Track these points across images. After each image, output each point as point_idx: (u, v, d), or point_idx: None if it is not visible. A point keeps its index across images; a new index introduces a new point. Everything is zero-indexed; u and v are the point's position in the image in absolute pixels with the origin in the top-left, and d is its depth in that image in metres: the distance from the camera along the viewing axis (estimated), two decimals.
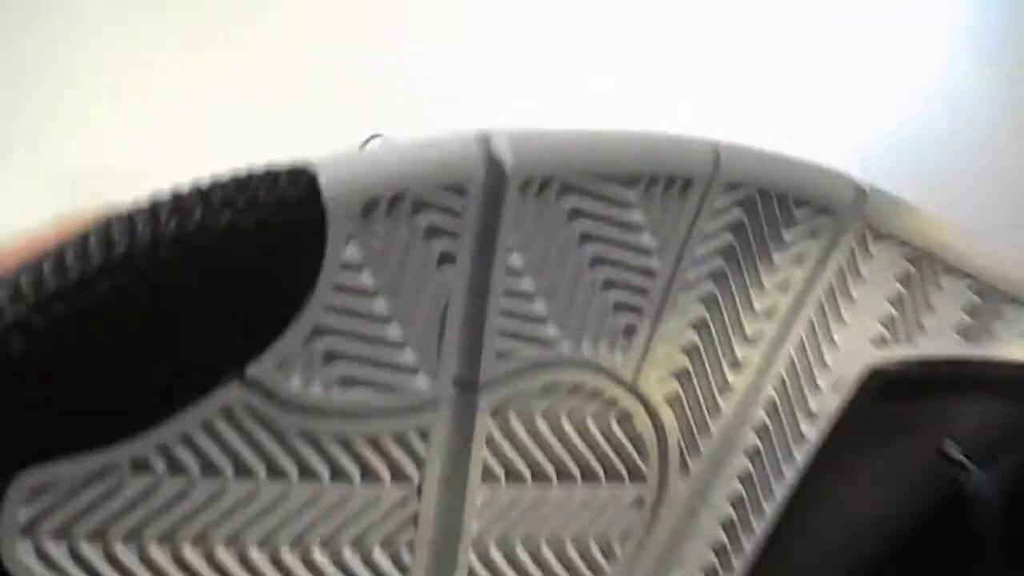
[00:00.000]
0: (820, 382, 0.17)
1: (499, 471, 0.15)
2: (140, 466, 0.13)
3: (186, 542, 0.13)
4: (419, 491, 0.14)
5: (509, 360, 0.15)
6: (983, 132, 0.49)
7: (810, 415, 0.17)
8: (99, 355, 0.12)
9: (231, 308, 0.13)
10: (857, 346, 0.18)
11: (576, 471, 0.15)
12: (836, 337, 0.17)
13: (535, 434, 0.15)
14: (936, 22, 0.51)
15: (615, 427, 0.16)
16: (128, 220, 0.13)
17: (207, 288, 0.13)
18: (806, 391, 0.17)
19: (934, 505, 0.20)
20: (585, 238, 0.15)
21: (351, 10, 0.51)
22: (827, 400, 0.18)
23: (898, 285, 0.18)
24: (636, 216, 0.15)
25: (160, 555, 0.13)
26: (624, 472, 0.16)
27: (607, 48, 0.48)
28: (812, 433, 0.17)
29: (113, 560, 0.13)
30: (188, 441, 0.13)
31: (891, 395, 0.18)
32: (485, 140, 0.14)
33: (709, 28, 0.49)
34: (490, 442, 0.15)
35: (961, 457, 0.20)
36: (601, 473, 0.16)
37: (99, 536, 0.13)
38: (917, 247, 0.18)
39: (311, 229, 0.13)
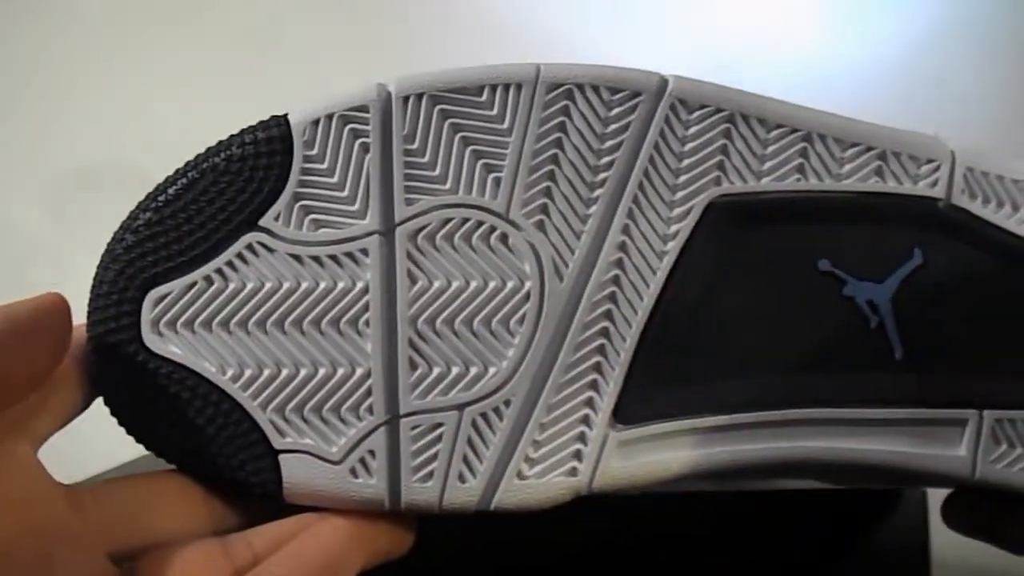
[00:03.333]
0: (668, 212, 0.25)
1: (418, 274, 0.24)
2: (209, 281, 0.24)
3: (236, 325, 0.24)
4: (367, 288, 0.24)
5: (414, 205, 0.24)
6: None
7: (665, 237, 0.25)
8: (184, 225, 0.24)
9: (248, 188, 0.24)
10: (698, 185, 0.25)
11: (475, 273, 0.24)
12: (675, 180, 0.25)
13: (440, 250, 0.24)
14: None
15: (498, 244, 0.24)
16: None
17: (235, 179, 0.24)
18: (655, 217, 0.25)
19: (819, 312, 0.25)
20: (456, 127, 0.24)
21: (350, 11, 0.55)
22: (678, 224, 0.25)
23: (723, 140, 0.25)
24: (489, 111, 0.24)
25: (221, 332, 0.24)
26: (512, 274, 0.24)
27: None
28: (670, 248, 0.25)
29: (199, 337, 0.24)
30: (231, 265, 0.24)
31: (750, 221, 0.25)
32: (381, 83, 0.24)
33: None
34: (409, 256, 0.24)
35: (833, 269, 0.25)
36: (494, 275, 0.24)
37: (190, 324, 0.24)
38: (729, 110, 0.25)
39: (284, 137, 0.24)
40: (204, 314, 0.24)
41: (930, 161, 0.26)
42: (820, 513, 0.35)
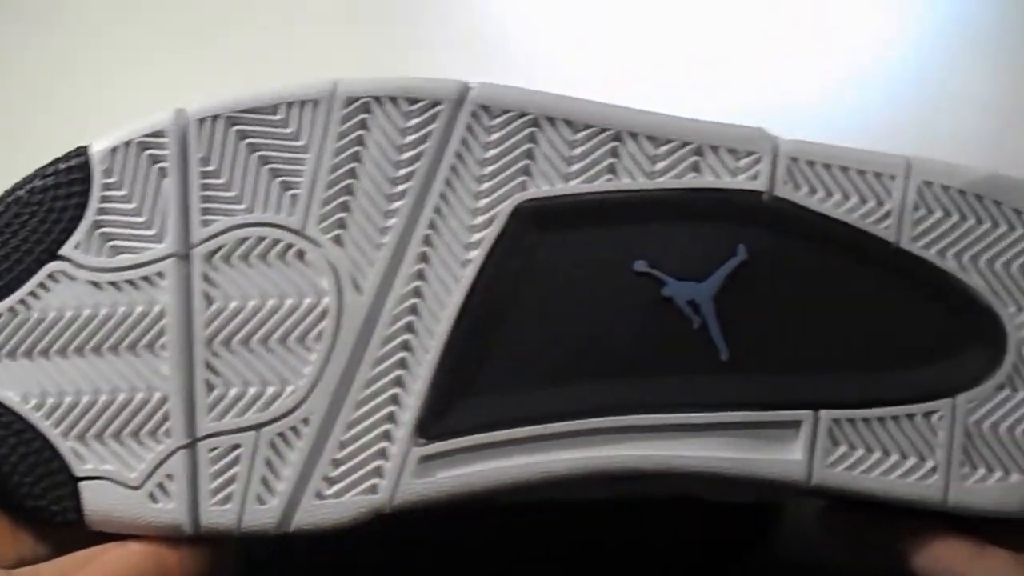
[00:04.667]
0: (471, 220, 0.24)
1: (215, 294, 0.24)
2: (13, 312, 0.24)
3: (39, 354, 0.24)
4: (163, 312, 0.24)
5: (210, 226, 0.24)
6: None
7: (467, 244, 0.24)
8: None
9: (49, 218, 0.24)
10: (503, 191, 0.24)
11: (271, 292, 0.24)
12: (479, 187, 0.24)
13: (236, 270, 0.24)
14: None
15: (294, 261, 0.24)
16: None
17: (37, 210, 0.24)
18: (458, 226, 0.24)
19: (636, 315, 0.24)
20: (253, 147, 0.24)
21: (349, 12, 0.56)
22: (482, 232, 0.24)
23: (529, 144, 0.24)
24: (285, 129, 0.24)
25: (25, 361, 0.24)
26: (309, 290, 0.24)
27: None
28: (473, 257, 0.24)
29: (3, 367, 0.24)
30: (33, 295, 0.24)
31: (559, 225, 0.24)
32: (180, 107, 0.24)
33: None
34: (205, 278, 0.24)
35: (650, 270, 0.25)
36: (291, 292, 0.24)
37: None
38: (533, 113, 0.24)
39: (83, 167, 0.24)
40: (8, 345, 0.24)
41: (750, 153, 0.25)
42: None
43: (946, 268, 0.25)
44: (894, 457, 0.24)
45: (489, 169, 0.24)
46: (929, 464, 0.24)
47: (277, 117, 0.24)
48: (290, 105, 0.24)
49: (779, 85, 0.53)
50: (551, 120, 0.24)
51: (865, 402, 0.24)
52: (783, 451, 0.24)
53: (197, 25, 0.59)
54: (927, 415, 0.24)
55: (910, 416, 0.24)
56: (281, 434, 0.24)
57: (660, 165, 0.25)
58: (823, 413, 0.24)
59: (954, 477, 0.24)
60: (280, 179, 0.24)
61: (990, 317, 0.25)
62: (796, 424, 0.24)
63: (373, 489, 0.23)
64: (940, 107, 0.52)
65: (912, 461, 0.24)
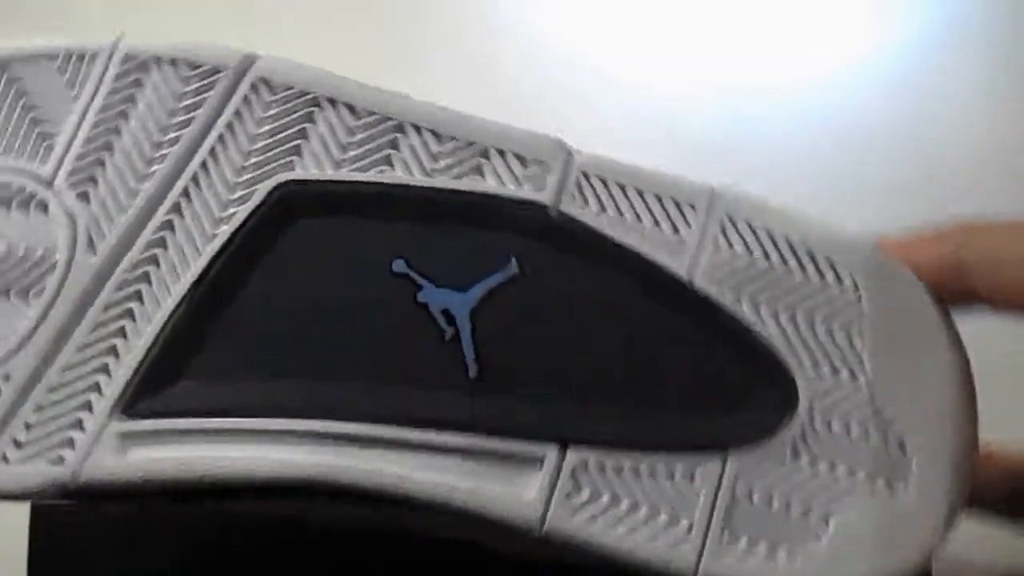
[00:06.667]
0: (228, 195, 0.23)
1: None
2: None
3: None
4: None
5: None
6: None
7: (219, 220, 0.23)
8: None
9: None
10: (268, 168, 0.23)
11: (2, 239, 0.23)
12: (244, 162, 0.23)
13: None
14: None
15: (36, 211, 0.23)
16: None
17: None
18: (212, 198, 0.23)
19: (384, 317, 0.22)
20: (21, 94, 0.23)
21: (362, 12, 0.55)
22: (237, 209, 0.23)
23: (304, 124, 0.23)
24: (59, 79, 0.23)
25: None
26: (43, 243, 0.22)
27: None
28: (221, 232, 0.22)
29: None
30: None
31: (320, 211, 0.23)
32: None
33: None
34: None
35: (408, 272, 0.23)
36: (23, 242, 0.22)
37: None
38: (315, 93, 0.23)
39: None
40: None
41: (540, 163, 0.23)
42: None
43: (739, 314, 0.22)
44: (643, 511, 0.21)
45: (259, 144, 0.23)
46: (683, 525, 0.21)
47: (54, 67, 0.23)
48: (69, 56, 0.23)
49: (778, 84, 0.51)
50: (332, 102, 0.23)
51: (621, 444, 0.21)
52: (518, 486, 0.21)
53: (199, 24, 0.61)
54: (690, 469, 0.21)
55: (670, 467, 0.21)
56: None
57: (441, 163, 0.23)
58: (572, 451, 0.21)
59: (711, 545, 0.21)
60: (41, 128, 0.23)
61: (782, 372, 0.22)
62: (539, 459, 0.21)
63: (60, 460, 0.21)
64: (936, 104, 0.50)
65: (664, 519, 0.21)
